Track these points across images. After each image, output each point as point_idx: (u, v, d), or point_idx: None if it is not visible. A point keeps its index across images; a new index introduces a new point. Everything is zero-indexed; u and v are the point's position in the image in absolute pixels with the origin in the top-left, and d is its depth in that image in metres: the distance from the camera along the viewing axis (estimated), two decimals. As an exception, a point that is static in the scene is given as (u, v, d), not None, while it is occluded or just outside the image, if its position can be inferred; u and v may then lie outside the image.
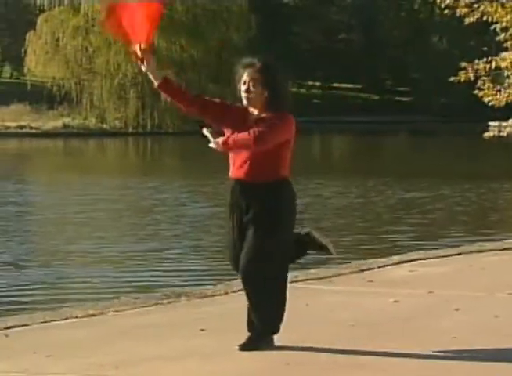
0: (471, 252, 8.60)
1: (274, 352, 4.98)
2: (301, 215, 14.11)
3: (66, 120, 44.27)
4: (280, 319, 5.03)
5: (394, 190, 18.20)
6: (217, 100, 5.14)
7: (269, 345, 5.01)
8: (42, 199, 17.67)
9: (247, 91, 4.96)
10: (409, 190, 18.15)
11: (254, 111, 5.03)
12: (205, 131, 4.97)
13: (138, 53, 5.13)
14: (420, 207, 15.56)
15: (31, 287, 9.14)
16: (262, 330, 5.00)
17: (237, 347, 4.99)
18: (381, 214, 14.84)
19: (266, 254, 4.94)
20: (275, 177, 4.98)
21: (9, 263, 10.25)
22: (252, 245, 4.93)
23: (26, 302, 8.37)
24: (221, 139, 4.93)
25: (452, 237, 11.70)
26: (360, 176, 21.16)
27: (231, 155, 5.07)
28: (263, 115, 4.99)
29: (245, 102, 5.00)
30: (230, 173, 5.07)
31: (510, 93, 13.38)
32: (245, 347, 4.98)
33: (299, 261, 5.27)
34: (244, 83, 4.98)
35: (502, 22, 13.10)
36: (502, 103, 13.50)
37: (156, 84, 5.13)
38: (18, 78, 56.35)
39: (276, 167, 4.99)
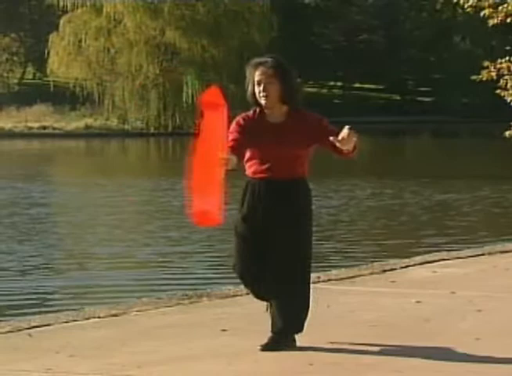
0: (495, 253, 8.55)
1: (296, 353, 4.98)
2: (336, 217, 14.10)
3: (89, 120, 44.50)
4: (305, 318, 5.03)
5: (430, 192, 17.98)
6: (237, 135, 4.92)
7: (291, 346, 5.00)
8: (71, 200, 17.58)
9: (264, 89, 4.89)
10: (445, 192, 17.91)
11: (272, 111, 4.95)
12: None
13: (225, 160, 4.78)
14: (458, 209, 15.38)
15: (56, 288, 9.20)
16: (286, 329, 4.99)
17: (259, 347, 4.99)
18: (418, 216, 14.66)
19: (305, 254, 4.96)
20: (302, 175, 5.01)
21: (38, 265, 10.30)
22: (291, 245, 4.91)
23: (50, 301, 8.43)
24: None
25: (486, 240, 11.53)
26: (392, 177, 20.96)
27: (256, 154, 4.96)
28: (284, 119, 4.94)
29: (263, 101, 4.93)
30: (257, 173, 4.96)
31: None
32: (267, 347, 4.97)
33: None
34: (259, 83, 4.91)
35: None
36: (526, 103, 13.41)
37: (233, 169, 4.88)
38: (41, 79, 56.72)
39: (304, 165, 5.04)
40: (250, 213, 4.98)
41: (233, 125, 4.97)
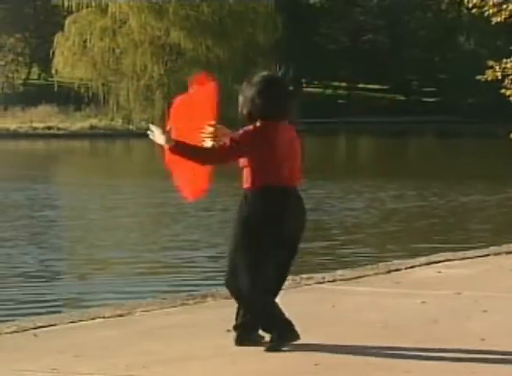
0: (500, 253, 8.53)
1: (302, 353, 4.97)
2: (361, 220, 13.88)
3: (93, 121, 44.54)
4: (280, 316, 5.03)
5: (452, 193, 17.69)
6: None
7: (295, 337, 5.01)
8: (85, 202, 17.27)
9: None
10: (467, 194, 17.60)
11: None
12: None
13: (213, 132, 5.13)
14: (482, 211, 15.18)
15: (62, 288, 9.22)
16: (278, 332, 5.03)
17: (263, 348, 5.00)
18: (443, 218, 14.48)
19: (236, 256, 5.04)
20: (249, 186, 5.06)
21: (46, 267, 10.29)
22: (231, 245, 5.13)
23: (55, 301, 8.44)
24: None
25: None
26: (411, 178, 20.63)
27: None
28: None
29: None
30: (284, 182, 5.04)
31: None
32: (269, 348, 5.00)
33: None
34: None
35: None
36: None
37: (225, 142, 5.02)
38: (46, 80, 56.77)
39: (252, 176, 5.05)
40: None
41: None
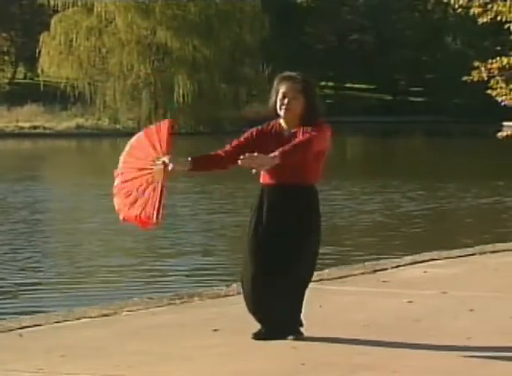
0: (485, 253, 8.57)
1: (288, 353, 4.98)
2: (379, 224, 13.71)
3: (80, 120, 44.37)
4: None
5: (468, 195, 17.45)
6: (241, 139, 5.18)
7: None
8: (77, 203, 16.97)
9: (289, 103, 5.09)
10: (481, 195, 17.37)
11: (289, 124, 5.13)
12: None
13: (165, 168, 5.13)
14: (491, 213, 15.05)
15: (47, 287, 9.18)
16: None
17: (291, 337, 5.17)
18: (455, 221, 14.41)
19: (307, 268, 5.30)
20: (307, 181, 5.14)
21: (34, 266, 10.23)
22: (290, 249, 5.24)
23: (41, 301, 8.42)
24: (270, 155, 4.93)
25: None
26: (422, 179, 20.34)
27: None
28: (296, 129, 5.11)
29: (282, 113, 5.11)
30: (265, 180, 5.14)
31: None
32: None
33: None
34: (284, 96, 5.11)
35: (515, 21, 13.05)
36: (516, 102, 13.41)
37: (187, 170, 5.17)
38: (32, 79, 56.55)
39: (308, 172, 5.15)
40: (259, 219, 5.13)
41: (246, 133, 5.24)
